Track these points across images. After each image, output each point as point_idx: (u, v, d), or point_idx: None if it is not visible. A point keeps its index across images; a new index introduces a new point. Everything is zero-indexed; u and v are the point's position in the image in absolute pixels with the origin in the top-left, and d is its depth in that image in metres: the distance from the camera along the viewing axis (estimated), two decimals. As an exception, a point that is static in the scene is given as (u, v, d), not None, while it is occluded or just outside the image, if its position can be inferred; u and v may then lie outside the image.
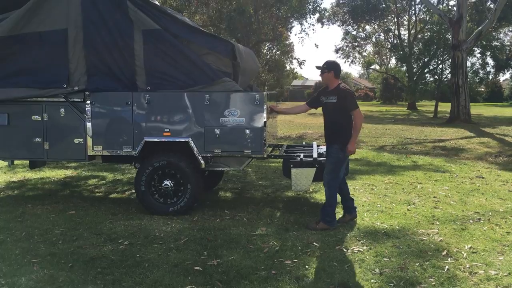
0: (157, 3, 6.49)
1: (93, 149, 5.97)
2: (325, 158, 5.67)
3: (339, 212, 5.79)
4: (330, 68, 5.45)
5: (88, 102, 5.92)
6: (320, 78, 5.88)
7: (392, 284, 3.94)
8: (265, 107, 5.66)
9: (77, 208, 6.29)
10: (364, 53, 47.23)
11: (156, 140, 5.87)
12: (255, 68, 7.29)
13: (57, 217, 5.88)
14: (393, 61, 48.10)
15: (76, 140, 6.00)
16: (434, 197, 7.02)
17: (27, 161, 7.11)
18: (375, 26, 42.24)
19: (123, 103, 5.88)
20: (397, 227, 5.51)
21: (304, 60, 49.53)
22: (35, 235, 5.18)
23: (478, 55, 34.81)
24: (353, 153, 5.44)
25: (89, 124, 5.94)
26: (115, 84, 5.95)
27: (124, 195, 7.22)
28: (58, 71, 5.92)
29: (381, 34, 43.81)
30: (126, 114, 5.89)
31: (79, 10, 5.85)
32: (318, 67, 5.60)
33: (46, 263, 4.36)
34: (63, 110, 5.99)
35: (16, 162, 8.53)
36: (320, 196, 6.99)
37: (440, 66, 28.70)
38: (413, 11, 38.16)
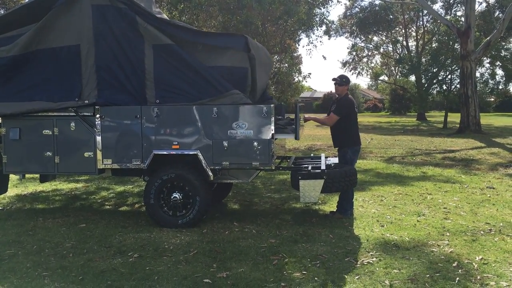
0: (165, 17, 6.58)
1: (103, 162, 6.03)
2: (333, 170, 5.97)
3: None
4: (347, 82, 6.33)
5: (98, 116, 5.99)
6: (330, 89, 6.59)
7: (402, 296, 3.92)
8: (272, 119, 5.69)
9: (87, 221, 6.34)
10: (372, 64, 47.31)
11: (165, 153, 5.91)
12: (268, 62, 7.29)
13: (67, 230, 5.93)
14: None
15: (86, 154, 6.07)
16: (444, 208, 6.97)
17: (38, 175, 7.19)
18: (383, 37, 42.34)
19: (132, 117, 5.94)
20: (407, 238, 5.47)
21: (310, 73, 50.11)
22: (46, 248, 5.23)
23: (487, 65, 34.63)
24: (306, 120, 6.57)
25: (98, 138, 6.00)
26: (125, 98, 6.02)
27: (134, 208, 7.26)
28: (71, 85, 6.02)
29: (389, 45, 43.89)
30: (135, 128, 5.95)
31: (91, 26, 5.95)
32: (335, 79, 6.30)
33: (57, 276, 4.39)
34: (73, 124, 6.07)
35: (27, 176, 8.63)
36: (329, 207, 6.97)
37: (449, 76, 28.61)
38: (421, 22, 38.21)
